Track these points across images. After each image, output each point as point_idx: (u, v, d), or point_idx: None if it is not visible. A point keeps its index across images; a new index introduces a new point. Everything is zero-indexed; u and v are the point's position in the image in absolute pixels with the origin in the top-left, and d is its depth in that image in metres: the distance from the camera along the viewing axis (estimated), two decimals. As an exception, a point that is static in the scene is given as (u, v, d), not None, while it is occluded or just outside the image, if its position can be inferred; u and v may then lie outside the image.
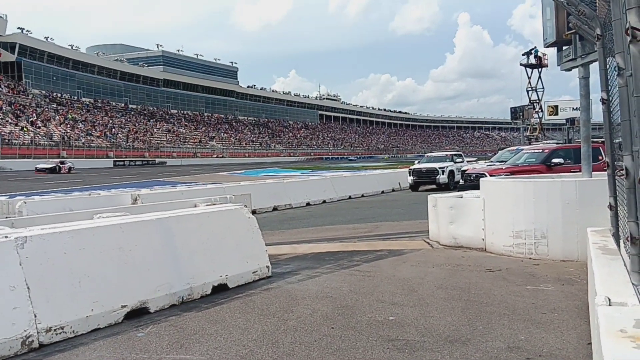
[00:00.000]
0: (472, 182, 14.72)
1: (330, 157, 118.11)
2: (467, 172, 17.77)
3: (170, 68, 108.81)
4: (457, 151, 30.32)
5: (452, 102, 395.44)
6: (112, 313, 4.85)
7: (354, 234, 10.75)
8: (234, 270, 6.22)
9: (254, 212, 8.89)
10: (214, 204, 7.69)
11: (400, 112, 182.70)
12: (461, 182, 18.25)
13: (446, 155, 25.54)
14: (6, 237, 4.49)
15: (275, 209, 17.02)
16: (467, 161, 25.55)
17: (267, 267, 6.69)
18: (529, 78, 64.96)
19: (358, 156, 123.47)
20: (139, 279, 5.21)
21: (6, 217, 9.95)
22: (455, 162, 23.69)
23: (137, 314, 5.04)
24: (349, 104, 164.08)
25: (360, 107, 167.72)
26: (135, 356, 4.07)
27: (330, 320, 4.78)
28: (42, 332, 4.31)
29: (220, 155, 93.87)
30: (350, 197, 20.58)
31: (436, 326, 4.52)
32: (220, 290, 5.95)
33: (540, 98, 64.31)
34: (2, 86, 74.15)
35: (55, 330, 4.40)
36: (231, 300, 5.61)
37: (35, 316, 4.30)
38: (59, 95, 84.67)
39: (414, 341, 4.18)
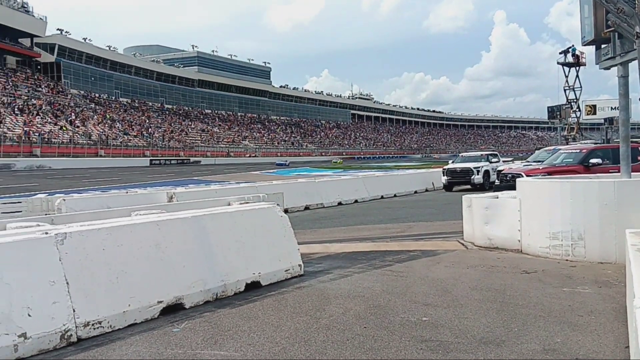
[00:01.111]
0: (508, 183, 14.50)
1: (362, 156, 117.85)
2: (503, 172, 17.51)
3: (205, 69, 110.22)
4: (493, 151, 29.87)
5: (488, 101, 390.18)
6: (148, 308, 4.94)
7: (386, 234, 10.71)
8: (266, 268, 6.26)
9: (286, 211, 8.93)
10: (247, 203, 7.75)
11: (434, 111, 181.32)
12: (497, 182, 18.01)
13: (481, 154, 25.19)
14: (46, 233, 4.61)
15: (307, 208, 17.08)
16: (503, 161, 25.20)
17: (300, 265, 6.72)
18: (567, 77, 63.47)
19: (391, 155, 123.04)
20: (174, 275, 5.30)
21: (45, 214, 10.23)
22: (491, 162, 23.35)
23: (173, 310, 5.13)
24: (381, 103, 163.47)
25: (393, 106, 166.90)
26: (171, 351, 4.14)
27: (363, 319, 4.78)
28: (80, 327, 4.41)
29: (253, 155, 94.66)
30: (382, 197, 20.51)
31: (470, 327, 4.48)
32: (253, 287, 6.00)
33: (577, 97, 62.86)
34: (42, 86, 76.16)
35: (93, 324, 4.50)
36: (264, 298, 5.66)
37: (74, 311, 4.40)
38: (97, 95, 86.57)
39: (447, 342, 4.15)
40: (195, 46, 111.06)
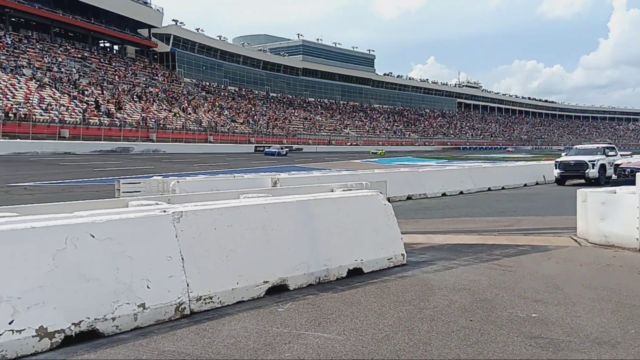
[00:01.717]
0: (626, 178, 13.56)
1: (468, 147, 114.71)
2: (620, 166, 16.39)
3: (309, 57, 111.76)
4: (610, 143, 27.93)
5: (604, 91, 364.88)
6: (254, 287, 5.11)
7: (493, 227, 10.36)
8: (369, 255, 6.27)
9: (388, 200, 8.84)
10: (350, 190, 7.78)
11: (546, 100, 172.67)
12: (614, 177, 16.87)
13: (597, 147, 23.65)
14: (164, 211, 4.89)
15: (409, 198, 16.82)
16: (621, 155, 23.54)
17: (402, 255, 6.66)
18: (697, 64, 58.25)
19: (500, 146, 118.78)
20: (279, 257, 5.44)
21: (161, 194, 10.86)
22: (608, 156, 21.86)
23: (277, 290, 5.28)
24: (490, 91, 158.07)
25: (502, 95, 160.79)
26: (277, 329, 4.27)
27: (469, 312, 4.67)
28: (193, 300, 4.66)
29: (354, 143, 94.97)
30: (489, 189, 19.80)
31: (583, 326, 4.25)
32: (355, 274, 6.03)
33: None
34: (159, 75, 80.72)
35: (204, 299, 4.73)
36: (366, 285, 5.67)
37: (187, 285, 4.65)
38: (207, 84, 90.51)
39: (558, 340, 3.96)
40: (301, 35, 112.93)
